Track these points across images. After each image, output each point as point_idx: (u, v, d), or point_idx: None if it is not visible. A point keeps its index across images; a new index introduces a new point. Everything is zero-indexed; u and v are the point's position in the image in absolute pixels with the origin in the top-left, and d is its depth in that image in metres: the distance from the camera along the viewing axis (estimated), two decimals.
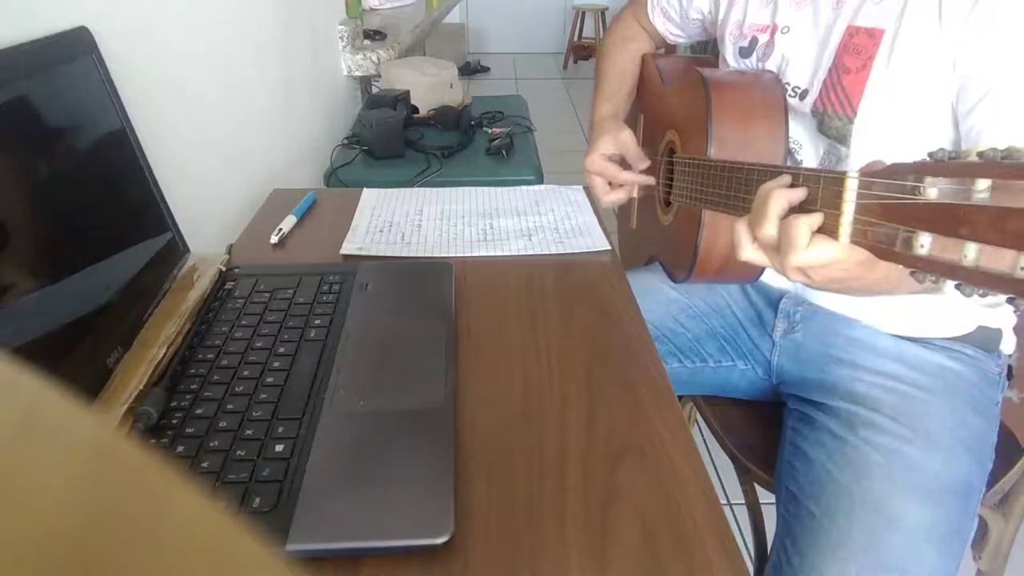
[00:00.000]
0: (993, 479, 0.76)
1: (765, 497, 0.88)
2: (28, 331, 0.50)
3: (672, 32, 1.05)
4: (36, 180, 0.54)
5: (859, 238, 0.46)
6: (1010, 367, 0.83)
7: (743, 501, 0.92)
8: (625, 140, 0.96)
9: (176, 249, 0.74)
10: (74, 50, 0.62)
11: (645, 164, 0.96)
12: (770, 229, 0.52)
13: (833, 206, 0.47)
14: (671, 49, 1.14)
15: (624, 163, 0.97)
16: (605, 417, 0.58)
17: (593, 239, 0.88)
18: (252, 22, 1.20)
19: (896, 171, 0.42)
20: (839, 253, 0.49)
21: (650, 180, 0.96)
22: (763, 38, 0.85)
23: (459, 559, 0.45)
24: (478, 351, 0.66)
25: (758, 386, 0.94)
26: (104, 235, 0.62)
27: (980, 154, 0.36)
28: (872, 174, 0.44)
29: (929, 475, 0.70)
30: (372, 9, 2.17)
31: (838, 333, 0.83)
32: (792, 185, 0.52)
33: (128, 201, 0.68)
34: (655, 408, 0.60)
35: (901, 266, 0.42)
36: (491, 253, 0.85)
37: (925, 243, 0.39)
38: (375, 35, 1.91)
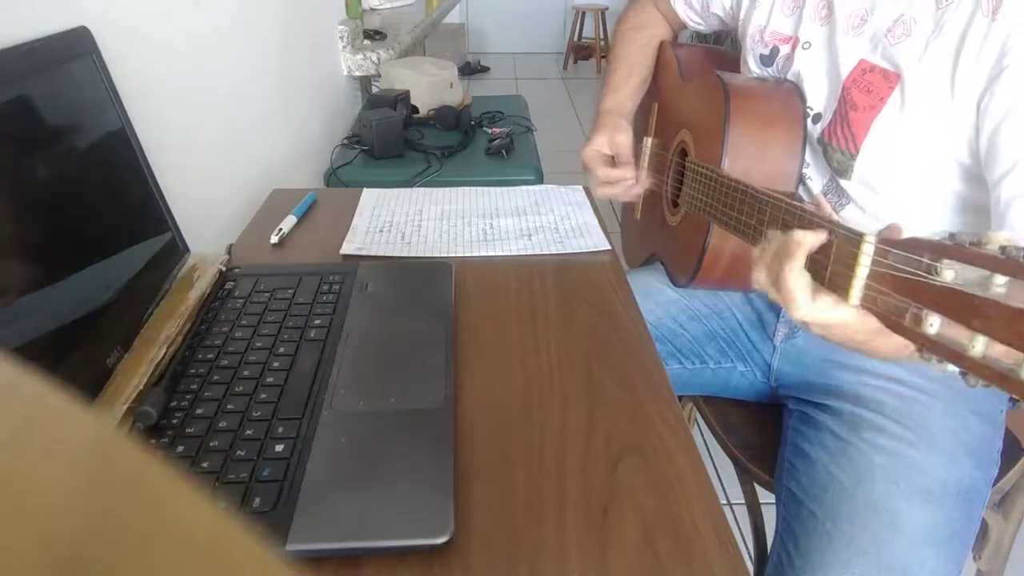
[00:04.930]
0: (994, 480, 0.76)
1: (765, 497, 0.88)
2: (28, 331, 0.50)
3: (693, 20, 1.04)
4: (36, 180, 0.54)
5: (869, 303, 0.45)
6: None
7: (743, 501, 0.92)
8: (620, 143, 0.96)
9: (176, 249, 0.74)
10: (74, 50, 0.62)
11: (631, 172, 0.96)
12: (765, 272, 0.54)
13: (847, 265, 0.47)
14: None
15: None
16: (605, 417, 0.58)
17: (593, 239, 0.88)
18: (252, 22, 1.20)
19: (914, 245, 0.41)
20: (847, 316, 0.49)
21: (627, 177, 0.95)
22: (784, 49, 0.83)
23: (459, 559, 0.45)
24: (478, 351, 0.66)
25: (758, 388, 0.94)
26: (104, 235, 0.62)
27: (1003, 248, 0.36)
28: (889, 243, 0.43)
29: (931, 477, 0.70)
30: (372, 9, 2.17)
31: None
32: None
33: (128, 201, 0.68)
34: (655, 408, 0.59)
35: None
36: (491, 253, 0.85)
37: (935, 324, 0.38)
38: (375, 35, 1.91)
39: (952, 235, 0.39)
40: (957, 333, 0.37)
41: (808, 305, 0.50)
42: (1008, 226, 0.61)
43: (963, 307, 0.37)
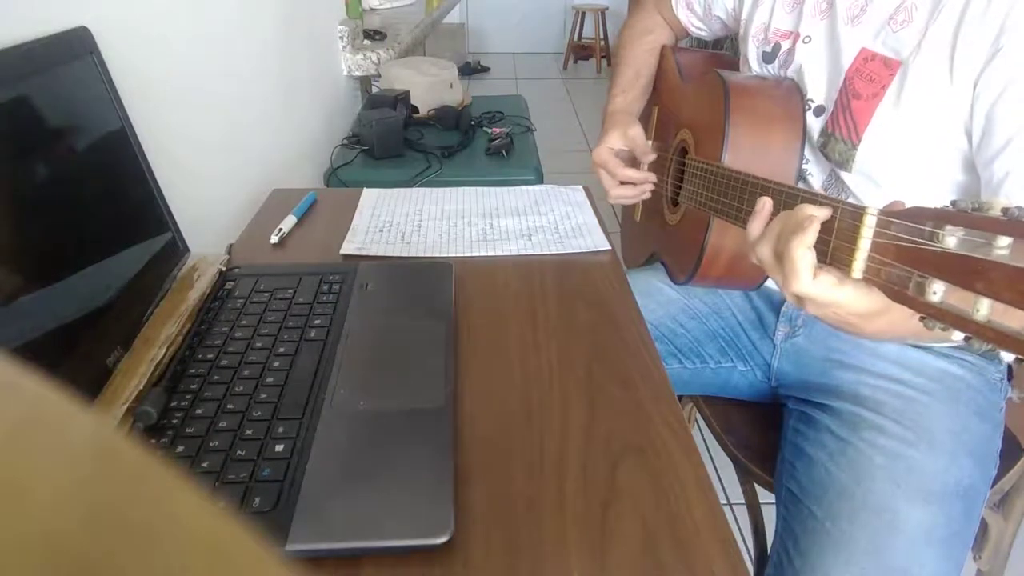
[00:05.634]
0: (994, 479, 0.76)
1: (765, 497, 0.88)
2: (28, 331, 0.50)
3: (695, 25, 1.04)
4: (36, 180, 0.54)
5: (872, 275, 0.45)
6: (1010, 368, 0.83)
7: (743, 501, 0.92)
8: (633, 136, 0.95)
9: (176, 249, 0.74)
10: (74, 50, 0.62)
11: (652, 157, 0.96)
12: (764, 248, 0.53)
13: (849, 239, 0.47)
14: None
15: (633, 160, 0.97)
16: (605, 417, 0.58)
17: (593, 239, 0.88)
18: (252, 22, 1.20)
19: (916, 214, 0.41)
20: (841, 298, 0.49)
21: (651, 178, 0.96)
22: (785, 45, 0.84)
23: (459, 559, 0.45)
24: (478, 351, 0.66)
25: (758, 388, 0.94)
26: (104, 235, 0.62)
27: (1005, 210, 0.36)
28: (891, 214, 0.44)
29: (931, 477, 0.70)
30: (372, 9, 2.17)
31: (841, 337, 0.83)
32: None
33: (128, 201, 0.68)
34: (655, 408, 0.60)
35: (905, 318, 0.41)
36: (491, 253, 0.85)
37: (938, 291, 0.38)
38: (375, 35, 1.91)
39: (954, 202, 0.39)
40: (961, 299, 0.37)
41: (809, 281, 0.50)
42: None
43: (966, 271, 0.37)
